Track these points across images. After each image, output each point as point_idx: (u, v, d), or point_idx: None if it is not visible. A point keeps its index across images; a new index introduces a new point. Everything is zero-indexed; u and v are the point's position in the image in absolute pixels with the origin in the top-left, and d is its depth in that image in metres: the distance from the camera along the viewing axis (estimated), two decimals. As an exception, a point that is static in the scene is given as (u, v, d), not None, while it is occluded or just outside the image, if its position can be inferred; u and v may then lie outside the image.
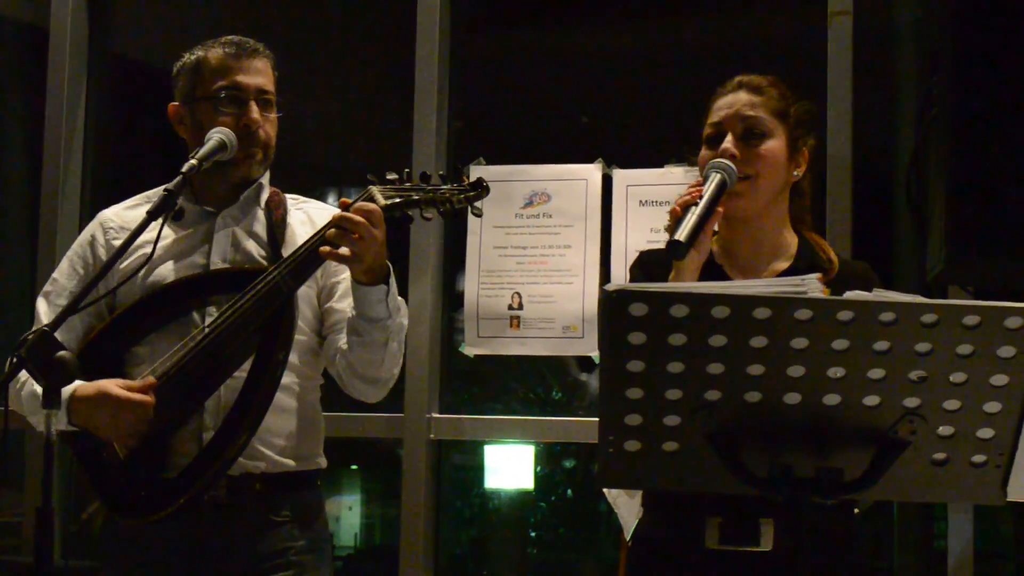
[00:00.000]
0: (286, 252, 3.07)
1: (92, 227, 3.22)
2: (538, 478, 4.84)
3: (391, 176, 2.99)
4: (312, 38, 4.98)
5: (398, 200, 2.96)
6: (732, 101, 2.89)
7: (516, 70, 4.75)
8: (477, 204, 3.00)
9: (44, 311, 3.14)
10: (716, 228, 2.95)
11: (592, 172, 4.22)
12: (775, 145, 2.87)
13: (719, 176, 2.74)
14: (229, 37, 3.17)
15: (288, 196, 3.24)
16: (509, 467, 4.71)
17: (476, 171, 4.25)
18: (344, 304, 3.13)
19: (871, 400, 2.10)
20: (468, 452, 4.78)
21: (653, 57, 4.55)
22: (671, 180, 4.07)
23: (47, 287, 3.19)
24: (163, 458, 2.97)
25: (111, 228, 3.18)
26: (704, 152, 2.89)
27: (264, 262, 3.10)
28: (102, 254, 3.15)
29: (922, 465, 2.17)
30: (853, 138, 3.97)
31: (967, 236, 3.24)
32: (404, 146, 4.35)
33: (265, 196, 3.19)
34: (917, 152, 3.76)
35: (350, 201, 2.94)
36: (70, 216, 4.66)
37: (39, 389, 2.65)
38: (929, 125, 3.59)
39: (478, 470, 4.78)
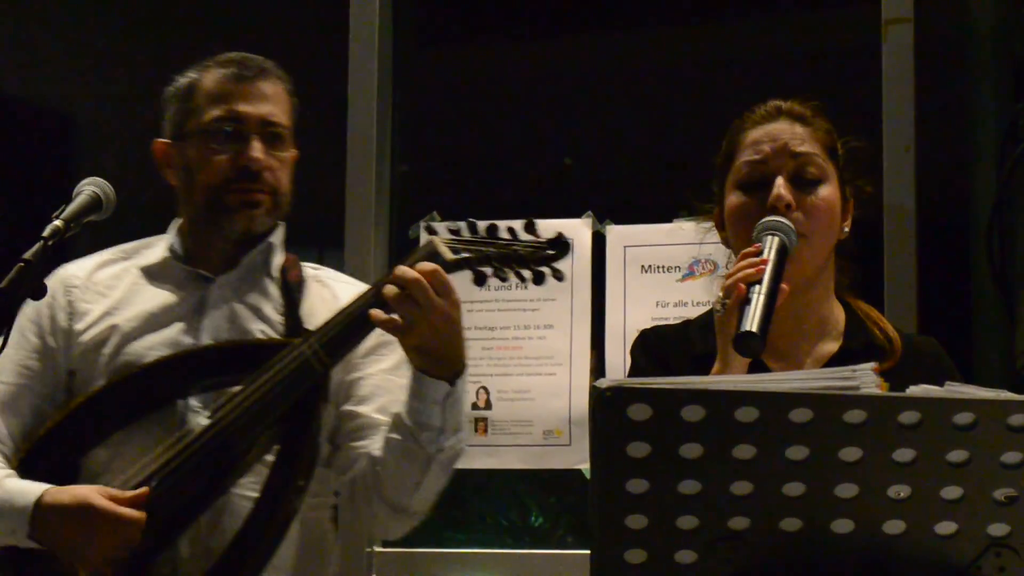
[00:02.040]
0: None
1: (48, 287, 3.21)
2: (513, 629, 4.82)
3: (454, 227, 3.04)
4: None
5: (468, 256, 2.99)
6: (775, 132, 2.91)
7: (479, 98, 4.78)
8: (558, 266, 3.02)
9: None
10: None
11: (579, 229, 4.23)
12: (830, 193, 2.91)
13: (778, 240, 2.74)
14: (231, 54, 3.24)
15: (305, 265, 3.29)
16: (475, 615, 4.69)
17: (429, 228, 4.26)
18: (368, 407, 3.16)
19: (945, 527, 2.11)
20: (421, 597, 4.76)
21: (659, 79, 4.59)
22: (682, 239, 4.08)
23: None
24: None
25: (74, 287, 3.21)
26: (738, 199, 2.90)
27: None
28: (62, 319, 3.17)
29: (1013, 612, 2.17)
30: (917, 182, 4.00)
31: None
32: (334, 197, 4.36)
33: (278, 261, 3.21)
34: (1000, 200, 3.79)
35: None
36: None
37: None
38: (1015, 164, 3.62)
39: (434, 620, 4.76)
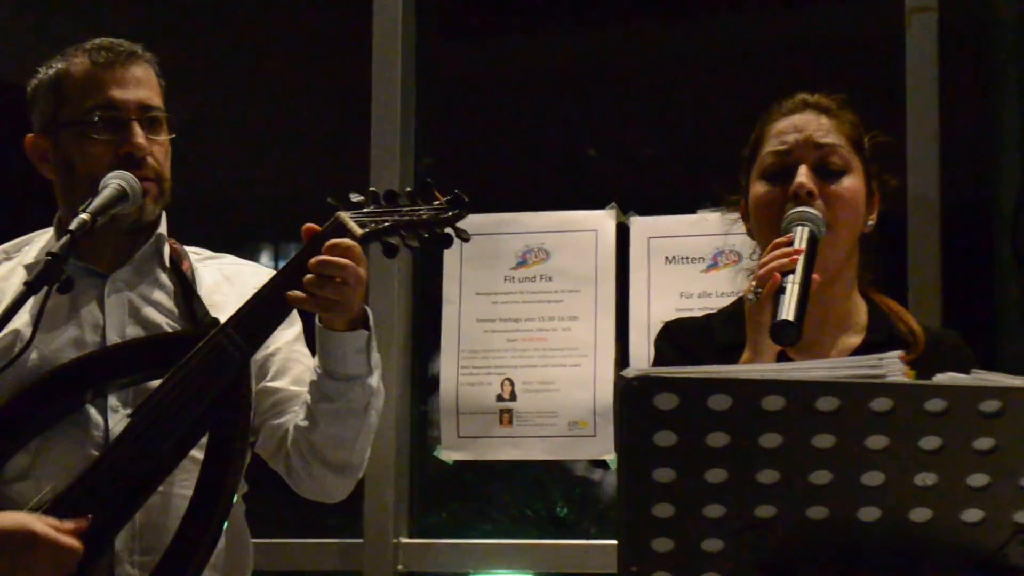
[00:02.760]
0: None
1: None
2: (539, 620, 4.83)
3: (356, 198, 2.99)
4: (236, 54, 5.01)
5: (376, 228, 2.97)
6: (800, 123, 2.93)
7: (502, 90, 4.78)
8: (461, 226, 3.02)
9: None
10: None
11: (603, 221, 4.24)
12: (855, 184, 2.92)
13: (808, 230, 2.77)
14: (96, 41, 3.17)
15: (190, 250, 3.26)
16: (501, 606, 4.70)
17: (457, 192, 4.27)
18: (283, 381, 3.15)
19: (972, 515, 2.11)
20: (447, 588, 4.77)
21: (683, 71, 4.59)
22: (706, 230, 4.09)
23: None
24: None
25: None
26: (762, 188, 2.92)
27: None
28: None
29: (1041, 599, 2.17)
30: (941, 172, 3.99)
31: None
32: (358, 188, 4.35)
33: (167, 251, 3.19)
34: (1024, 189, 3.79)
35: (318, 228, 2.94)
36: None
37: None
38: (1040, 154, 3.62)
39: (460, 611, 4.77)
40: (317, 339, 3.01)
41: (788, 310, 2.63)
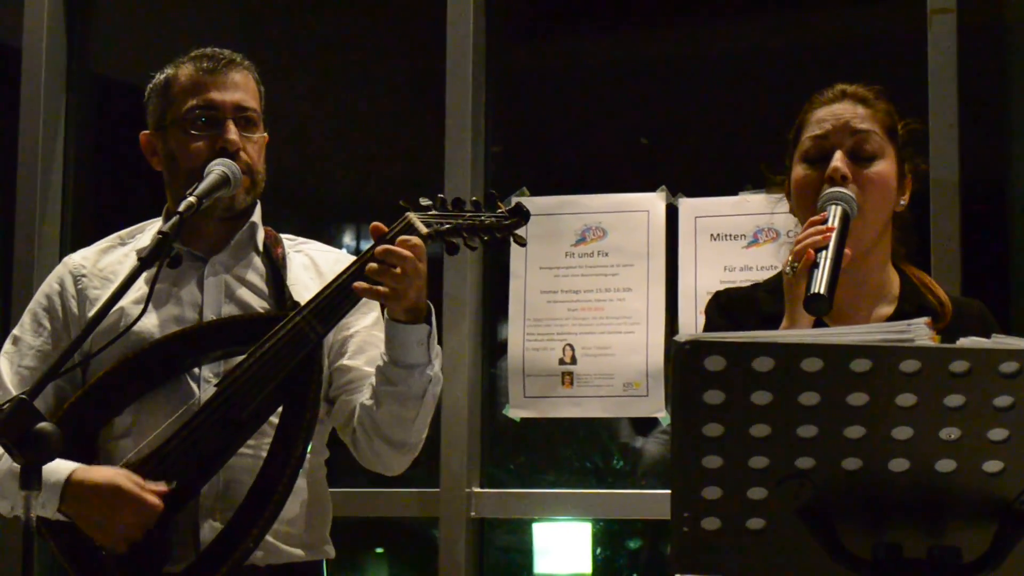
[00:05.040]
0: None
1: (58, 274, 3.23)
2: (597, 562, 4.82)
3: (425, 202, 3.03)
4: (321, 50, 5.01)
5: (440, 229, 3.00)
6: (838, 112, 2.90)
7: (564, 84, 4.77)
8: (519, 233, 3.04)
9: (7, 374, 3.15)
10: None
11: (654, 202, 4.23)
12: (886, 168, 2.89)
13: (841, 208, 2.75)
14: (202, 50, 3.21)
15: (284, 236, 3.28)
16: (563, 549, 4.69)
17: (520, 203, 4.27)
18: (359, 361, 3.17)
19: (992, 466, 2.09)
20: (515, 532, 4.77)
21: (725, 66, 4.56)
22: (747, 210, 4.08)
23: (7, 346, 3.20)
24: (164, 550, 2.98)
25: (82, 276, 3.19)
26: (802, 171, 2.90)
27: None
28: (73, 306, 3.17)
29: (1055, 542, 2.15)
30: (960, 157, 3.97)
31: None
32: (433, 175, 4.37)
33: (261, 237, 3.21)
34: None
35: (385, 228, 2.98)
36: (48, 256, 4.68)
37: (16, 467, 2.59)
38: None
39: (526, 553, 4.76)
40: (385, 329, 3.03)
41: (820, 284, 2.63)
